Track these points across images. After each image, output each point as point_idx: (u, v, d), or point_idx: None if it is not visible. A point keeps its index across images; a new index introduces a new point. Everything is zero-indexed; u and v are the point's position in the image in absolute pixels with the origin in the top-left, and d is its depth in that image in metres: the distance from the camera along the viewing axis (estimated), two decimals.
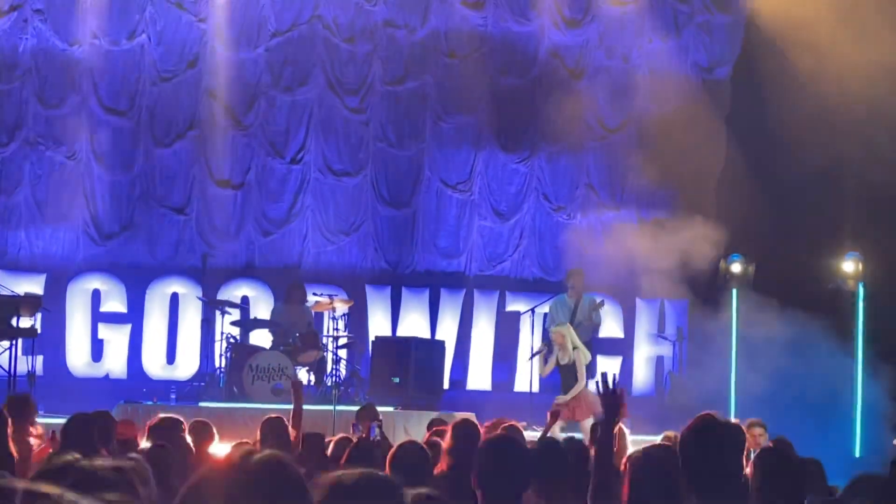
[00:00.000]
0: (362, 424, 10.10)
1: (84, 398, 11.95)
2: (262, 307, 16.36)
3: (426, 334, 16.97)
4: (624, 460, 5.57)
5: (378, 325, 16.99)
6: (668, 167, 16.69)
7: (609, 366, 17.51)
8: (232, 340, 14.99)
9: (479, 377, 17.40)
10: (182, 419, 8.32)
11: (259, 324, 15.58)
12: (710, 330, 16.31)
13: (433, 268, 17.63)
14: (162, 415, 8.45)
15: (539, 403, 14.41)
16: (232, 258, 16.80)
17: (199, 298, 16.00)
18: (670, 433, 9.01)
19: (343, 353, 15.60)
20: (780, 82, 15.88)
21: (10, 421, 7.13)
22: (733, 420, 6.83)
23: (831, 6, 15.17)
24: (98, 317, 16.22)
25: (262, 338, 15.50)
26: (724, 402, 15.37)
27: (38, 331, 14.09)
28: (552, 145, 17.85)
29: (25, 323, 13.76)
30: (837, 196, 16.33)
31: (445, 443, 6.32)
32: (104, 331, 16.25)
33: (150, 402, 13.91)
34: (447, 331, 17.22)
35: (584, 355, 13.44)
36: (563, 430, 12.31)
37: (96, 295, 16.26)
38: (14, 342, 13.46)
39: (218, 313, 15.28)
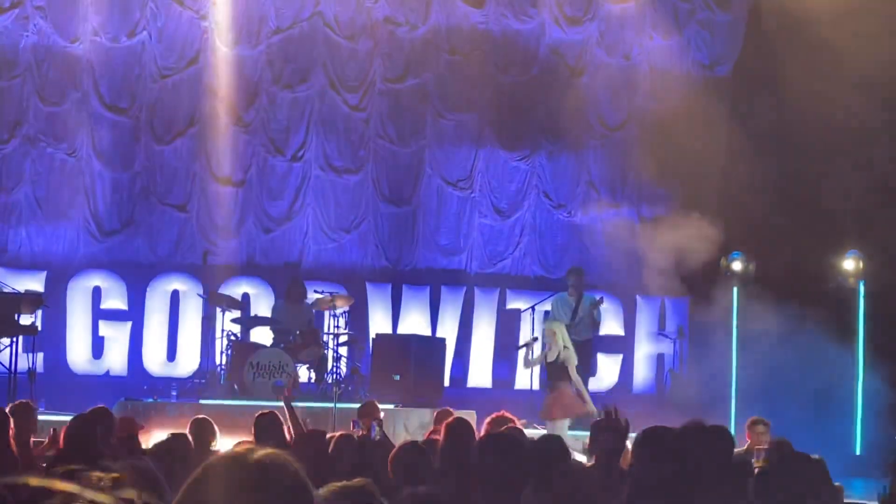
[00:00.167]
0: (363, 422, 10.11)
1: (84, 395, 11.99)
2: (263, 304, 16.36)
3: (427, 332, 16.97)
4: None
5: (379, 322, 16.98)
6: (669, 165, 16.69)
7: (609, 363, 17.58)
8: (232, 338, 15.00)
9: (480, 375, 17.40)
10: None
11: (259, 321, 15.58)
12: (710, 327, 16.30)
13: (434, 265, 17.63)
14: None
15: (539, 401, 14.39)
16: (232, 255, 16.80)
17: (200, 296, 16.01)
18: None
19: (343, 350, 15.60)
20: (781, 80, 15.86)
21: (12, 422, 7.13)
22: (726, 421, 6.84)
23: (832, 3, 15.14)
24: (99, 314, 16.22)
25: (262, 335, 15.50)
26: (724, 400, 15.38)
27: (39, 328, 14.06)
28: (553, 143, 17.85)
29: (26, 320, 13.76)
30: (838, 194, 16.30)
31: (439, 442, 6.32)
32: (105, 328, 16.25)
33: (150, 400, 13.95)
34: (448, 328, 17.21)
35: (572, 356, 13.39)
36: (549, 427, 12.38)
37: (97, 292, 16.26)
38: (15, 339, 13.46)
39: (218, 310, 15.28)
